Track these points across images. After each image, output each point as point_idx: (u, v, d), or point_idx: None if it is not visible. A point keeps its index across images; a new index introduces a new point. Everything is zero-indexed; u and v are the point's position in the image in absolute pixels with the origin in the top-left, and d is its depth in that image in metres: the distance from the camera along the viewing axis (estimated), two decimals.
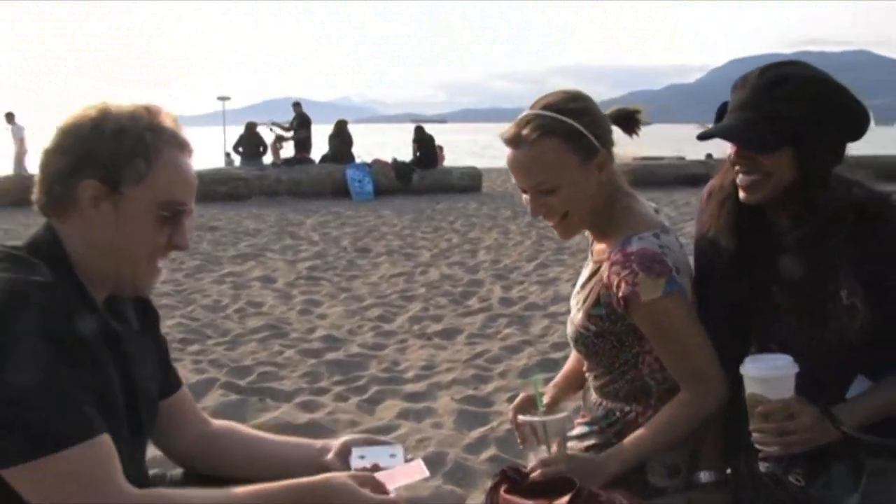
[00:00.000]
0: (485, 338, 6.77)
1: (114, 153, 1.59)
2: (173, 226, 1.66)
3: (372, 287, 8.75)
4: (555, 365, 5.96)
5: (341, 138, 19.91)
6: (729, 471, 2.12)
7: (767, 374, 1.82)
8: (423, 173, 19.42)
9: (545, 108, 2.04)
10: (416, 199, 17.98)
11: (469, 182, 20.13)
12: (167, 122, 1.66)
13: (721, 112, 2.03)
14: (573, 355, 2.46)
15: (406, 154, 20.14)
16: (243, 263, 10.28)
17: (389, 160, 19.31)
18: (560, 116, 2.02)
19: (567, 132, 2.02)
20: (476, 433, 4.58)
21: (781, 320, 2.01)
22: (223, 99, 29.92)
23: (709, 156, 20.85)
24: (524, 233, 12.90)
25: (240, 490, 1.58)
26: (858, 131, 1.93)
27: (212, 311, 7.61)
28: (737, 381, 2.11)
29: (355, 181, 18.42)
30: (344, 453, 1.93)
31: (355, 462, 1.88)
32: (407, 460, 1.89)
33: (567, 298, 8.51)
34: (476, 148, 48.00)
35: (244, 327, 6.95)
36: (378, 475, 1.77)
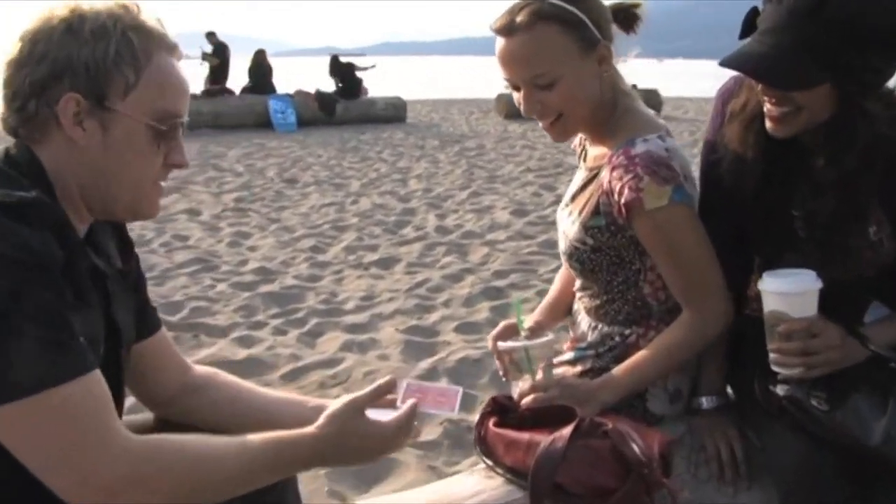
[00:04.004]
0: (424, 267, 6.57)
1: (96, 59, 1.33)
2: (169, 141, 1.43)
3: (302, 217, 8.45)
4: (498, 293, 5.83)
5: (261, 69, 19.21)
6: (732, 396, 1.97)
7: (790, 290, 1.65)
8: (346, 104, 18.91)
9: None
10: (339, 129, 17.50)
11: (394, 112, 19.72)
12: (151, 22, 1.40)
13: (749, 22, 1.70)
14: (558, 280, 2.26)
15: (328, 85, 19.57)
16: (166, 195, 9.77)
17: (312, 91, 18.75)
18: (557, 1, 1.79)
19: (565, 18, 1.80)
20: (425, 364, 4.41)
21: (799, 250, 1.81)
22: None
23: None
24: (454, 162, 12.67)
25: (255, 438, 1.37)
26: None
27: (136, 247, 7.20)
28: (740, 303, 1.95)
29: (278, 112, 17.82)
30: None
31: None
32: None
33: (504, 226, 8.35)
34: (398, 80, 47.25)
35: (172, 261, 6.60)
36: (410, 389, 1.65)
